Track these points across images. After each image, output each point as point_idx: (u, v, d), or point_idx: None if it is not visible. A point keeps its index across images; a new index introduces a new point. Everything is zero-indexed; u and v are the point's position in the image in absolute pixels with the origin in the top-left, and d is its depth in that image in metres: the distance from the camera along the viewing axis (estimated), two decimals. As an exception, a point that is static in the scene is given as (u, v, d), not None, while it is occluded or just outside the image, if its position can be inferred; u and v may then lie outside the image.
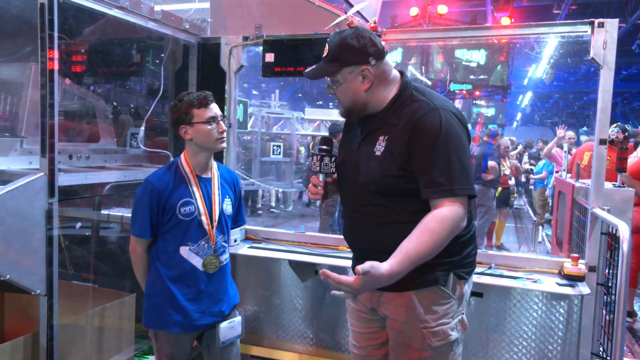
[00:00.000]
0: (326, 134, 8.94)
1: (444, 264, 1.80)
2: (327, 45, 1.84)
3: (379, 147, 1.80)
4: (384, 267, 1.57)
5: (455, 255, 1.82)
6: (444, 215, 1.65)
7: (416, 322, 1.81)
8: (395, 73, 1.87)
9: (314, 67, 1.88)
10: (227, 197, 2.37)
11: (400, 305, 1.84)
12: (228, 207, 2.36)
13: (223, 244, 2.32)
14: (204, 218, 2.24)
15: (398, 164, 1.73)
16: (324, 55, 1.85)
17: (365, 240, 1.89)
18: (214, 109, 2.24)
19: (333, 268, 3.07)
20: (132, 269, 2.33)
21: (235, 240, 3.19)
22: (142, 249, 2.27)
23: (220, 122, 2.25)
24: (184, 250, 2.22)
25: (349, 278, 1.57)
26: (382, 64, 1.82)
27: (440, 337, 1.81)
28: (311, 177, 1.94)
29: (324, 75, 1.84)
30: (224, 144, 2.27)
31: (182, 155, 2.30)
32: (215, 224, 2.28)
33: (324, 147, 1.94)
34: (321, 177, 1.92)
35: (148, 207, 2.18)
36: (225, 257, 2.34)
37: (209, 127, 2.20)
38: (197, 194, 2.25)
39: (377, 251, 1.80)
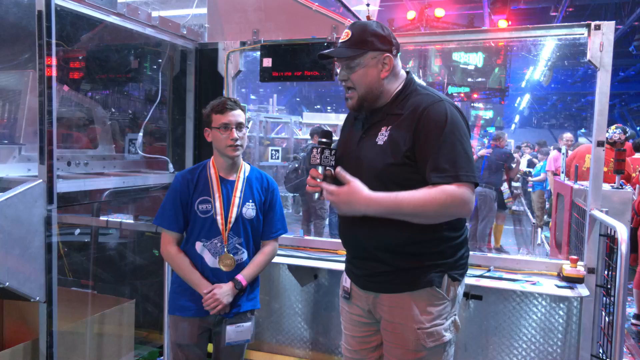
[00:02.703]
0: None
1: (439, 266, 1.83)
2: (348, 30, 1.87)
3: (382, 137, 1.83)
4: (367, 190, 1.70)
5: (450, 258, 1.86)
6: (448, 190, 1.68)
7: (411, 323, 1.82)
8: (402, 71, 1.94)
9: (333, 48, 1.92)
10: (251, 200, 2.39)
11: (396, 306, 1.86)
12: (249, 211, 2.38)
13: (237, 245, 2.36)
14: (219, 218, 2.31)
15: (402, 151, 1.77)
16: (342, 39, 1.87)
17: (363, 237, 1.90)
18: (230, 116, 2.28)
19: (332, 272, 3.08)
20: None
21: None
22: (172, 243, 2.34)
23: (234, 129, 2.28)
24: (198, 245, 2.33)
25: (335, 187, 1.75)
26: (397, 58, 1.90)
27: (434, 338, 1.83)
28: (310, 170, 1.95)
29: (349, 56, 1.85)
30: (236, 152, 2.31)
31: (212, 157, 2.43)
32: (230, 225, 2.33)
33: (324, 140, 1.95)
34: (320, 169, 1.92)
35: (177, 199, 2.33)
36: (240, 258, 2.37)
37: (221, 133, 2.28)
38: (217, 194, 2.33)
39: (375, 247, 1.85)
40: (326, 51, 1.92)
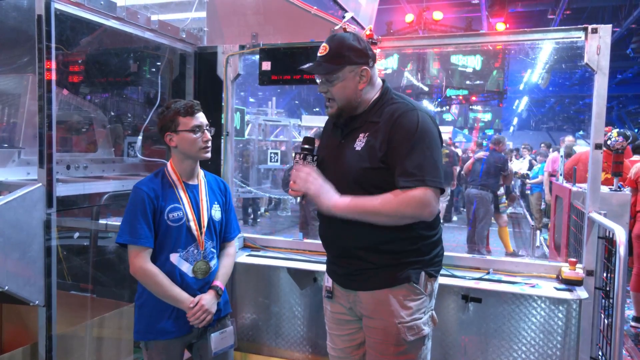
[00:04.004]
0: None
1: (416, 263, 1.93)
2: (326, 44, 1.93)
3: (359, 143, 1.93)
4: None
5: (426, 255, 1.96)
6: (408, 194, 1.80)
7: (392, 318, 1.91)
8: (379, 79, 2.03)
9: (312, 64, 1.96)
10: (216, 202, 2.38)
11: (376, 302, 1.94)
12: (217, 213, 2.37)
13: (212, 250, 2.32)
14: (192, 224, 2.25)
15: (378, 157, 1.86)
16: (321, 53, 1.93)
17: (342, 237, 1.98)
18: (200, 118, 2.25)
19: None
20: (133, 279, 2.23)
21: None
22: (148, 260, 2.16)
23: (206, 131, 2.25)
24: (174, 257, 2.22)
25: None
26: (373, 68, 1.98)
27: (414, 332, 1.92)
28: (292, 175, 2.00)
29: (328, 71, 1.92)
30: (208, 154, 2.28)
31: (168, 163, 2.32)
32: (204, 229, 2.28)
33: (307, 146, 2.03)
34: None
35: (145, 211, 2.16)
36: (213, 263, 2.33)
37: (194, 135, 2.22)
38: (185, 200, 2.26)
39: (354, 247, 1.95)
40: (305, 67, 1.97)
